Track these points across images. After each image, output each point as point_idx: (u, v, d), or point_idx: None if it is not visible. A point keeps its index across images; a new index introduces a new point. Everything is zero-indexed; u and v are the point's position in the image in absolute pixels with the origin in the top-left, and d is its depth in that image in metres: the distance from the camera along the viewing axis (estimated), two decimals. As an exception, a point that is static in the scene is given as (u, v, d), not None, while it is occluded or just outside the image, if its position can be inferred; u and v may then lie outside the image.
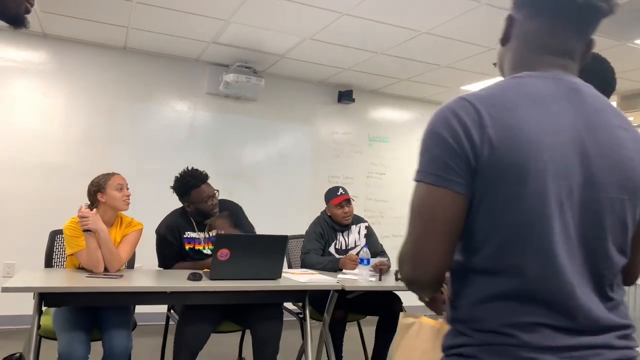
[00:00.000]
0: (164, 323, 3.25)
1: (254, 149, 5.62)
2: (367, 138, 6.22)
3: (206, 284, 2.66)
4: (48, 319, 2.64)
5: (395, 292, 3.51)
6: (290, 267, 3.68)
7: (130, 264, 3.15)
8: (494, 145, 0.92)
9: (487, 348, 0.94)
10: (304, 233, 3.71)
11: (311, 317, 3.06)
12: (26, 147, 4.68)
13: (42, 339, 2.60)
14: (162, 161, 5.03)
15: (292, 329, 3.26)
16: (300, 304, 3.07)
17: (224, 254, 2.71)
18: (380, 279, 3.20)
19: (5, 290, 2.24)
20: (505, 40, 1.10)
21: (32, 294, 2.43)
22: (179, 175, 3.20)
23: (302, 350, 3.23)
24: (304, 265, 3.50)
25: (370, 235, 3.77)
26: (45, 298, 2.44)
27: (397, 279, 3.17)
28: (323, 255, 3.55)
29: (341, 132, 6.08)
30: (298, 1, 3.70)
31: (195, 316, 2.79)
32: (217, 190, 3.21)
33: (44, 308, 2.49)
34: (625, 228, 0.99)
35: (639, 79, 4.89)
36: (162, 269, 3.18)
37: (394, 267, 3.37)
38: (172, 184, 3.20)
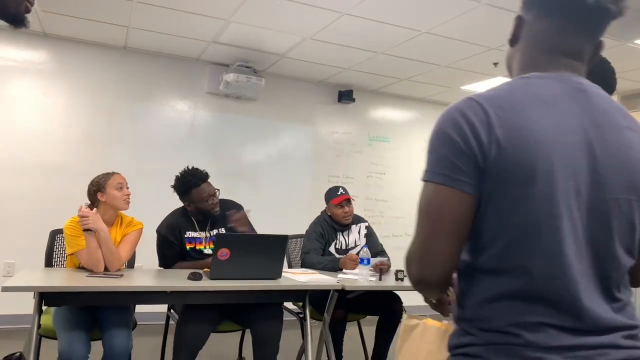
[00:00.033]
0: (164, 322, 3.25)
1: (254, 149, 5.62)
2: (367, 138, 6.22)
3: (206, 284, 2.66)
4: (48, 318, 2.64)
5: (396, 292, 3.52)
6: (290, 266, 3.68)
7: (131, 264, 3.15)
8: (501, 145, 0.92)
9: (492, 347, 0.94)
10: (304, 233, 3.71)
11: (311, 317, 3.06)
12: (26, 147, 4.68)
13: (42, 339, 2.60)
14: (162, 161, 5.04)
15: (292, 328, 3.26)
16: (301, 303, 3.08)
17: (224, 253, 2.71)
18: (380, 279, 3.20)
19: (6, 289, 2.24)
20: (513, 40, 1.10)
21: (32, 293, 2.43)
22: (179, 175, 3.20)
23: (302, 350, 3.23)
24: (304, 265, 3.50)
25: (370, 235, 3.77)
26: (46, 297, 2.44)
27: (397, 279, 3.17)
28: (323, 255, 3.55)
29: (341, 132, 6.09)
30: (298, 1, 3.70)
31: (195, 316, 2.79)
32: (218, 189, 3.21)
33: (44, 307, 2.49)
34: (633, 229, 0.99)
35: (639, 79, 4.90)
36: (162, 268, 3.18)
37: (394, 267, 3.37)
38: (172, 184, 3.20)
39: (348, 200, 3.63)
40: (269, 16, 4.03)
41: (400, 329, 1.43)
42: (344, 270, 3.34)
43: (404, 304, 3.48)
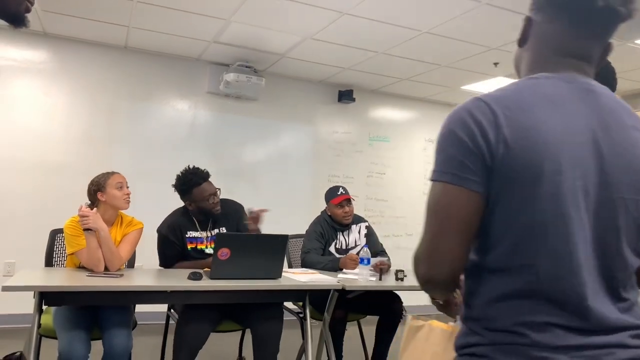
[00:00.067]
0: (164, 322, 3.25)
1: (254, 149, 5.62)
2: (367, 137, 6.22)
3: (206, 283, 2.66)
4: (48, 318, 2.65)
5: (396, 292, 3.52)
6: (290, 266, 3.68)
7: (131, 263, 3.15)
8: (509, 145, 0.92)
9: (499, 347, 0.94)
10: (304, 232, 3.71)
11: (311, 317, 3.06)
12: (27, 146, 4.68)
13: (43, 338, 2.61)
14: (163, 160, 5.04)
15: (292, 328, 3.26)
16: (301, 303, 3.08)
17: (224, 253, 2.71)
18: (380, 279, 3.20)
19: (6, 289, 2.24)
20: (522, 41, 1.10)
21: (33, 293, 2.43)
22: (180, 174, 3.20)
23: (302, 350, 3.23)
24: (304, 264, 3.50)
25: (370, 235, 3.77)
26: (46, 297, 2.44)
27: (397, 279, 3.17)
28: (323, 255, 3.55)
29: (341, 132, 6.09)
30: (299, 0, 3.70)
31: (195, 315, 2.79)
32: (219, 189, 3.21)
33: (44, 307, 2.49)
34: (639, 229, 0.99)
35: (639, 79, 4.89)
36: (162, 268, 3.18)
37: (394, 266, 3.37)
38: (173, 183, 3.20)
39: (348, 200, 3.63)
40: (270, 16, 4.03)
41: (405, 329, 1.42)
42: (344, 270, 3.34)
43: (404, 304, 3.48)
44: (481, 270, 0.99)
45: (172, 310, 3.15)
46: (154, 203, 4.17)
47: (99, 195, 2.84)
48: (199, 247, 3.18)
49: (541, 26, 1.05)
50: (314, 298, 3.06)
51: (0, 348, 3.05)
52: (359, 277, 3.15)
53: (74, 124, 4.87)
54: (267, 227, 3.34)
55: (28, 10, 1.27)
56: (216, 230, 3.21)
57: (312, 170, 5.88)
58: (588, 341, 0.92)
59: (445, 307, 1.18)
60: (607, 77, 1.78)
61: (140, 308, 2.96)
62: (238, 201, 3.43)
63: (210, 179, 3.20)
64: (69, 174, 4.69)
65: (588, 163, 0.94)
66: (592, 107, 0.98)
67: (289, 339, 3.21)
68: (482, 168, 0.93)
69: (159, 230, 3.17)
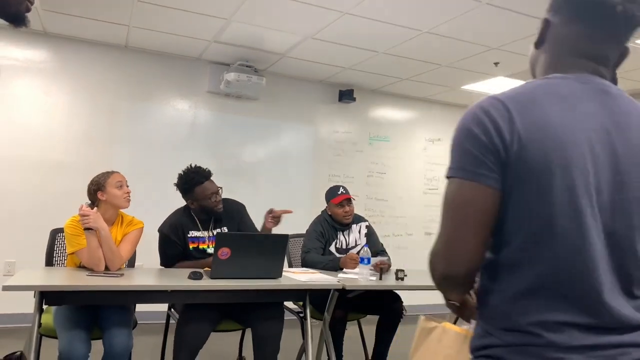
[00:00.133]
0: (164, 322, 3.25)
1: (254, 148, 5.62)
2: (367, 137, 6.22)
3: (207, 283, 2.66)
4: (49, 317, 2.65)
5: (396, 291, 3.52)
6: (290, 266, 3.68)
7: (131, 263, 3.15)
8: (522, 141, 0.93)
9: (514, 349, 0.94)
10: (304, 232, 3.71)
11: (311, 316, 3.06)
12: (27, 146, 4.68)
13: (43, 338, 2.61)
14: (163, 160, 5.04)
15: (293, 328, 3.26)
16: (301, 303, 3.08)
17: (224, 252, 2.71)
18: (380, 278, 3.20)
19: (6, 288, 2.24)
20: (539, 43, 1.11)
21: (33, 292, 2.43)
22: (182, 173, 3.20)
23: (303, 350, 3.23)
24: (305, 264, 3.50)
25: (370, 235, 3.77)
26: (46, 296, 2.44)
27: (397, 279, 3.17)
28: (323, 255, 3.56)
29: (342, 131, 6.09)
30: (299, 0, 3.70)
31: (196, 315, 2.79)
32: (221, 187, 3.21)
33: (44, 306, 2.49)
34: None
35: (639, 79, 4.89)
36: (163, 267, 3.18)
37: (394, 266, 3.38)
38: (174, 182, 3.20)
39: (348, 200, 3.63)
40: (270, 15, 4.03)
41: (417, 330, 1.41)
42: (344, 270, 3.34)
43: (404, 304, 3.48)
44: (495, 268, 0.99)
45: (172, 310, 3.15)
46: (154, 203, 4.18)
47: (99, 194, 2.84)
48: (200, 246, 3.18)
49: (558, 28, 1.06)
50: (314, 298, 3.06)
51: (0, 348, 3.05)
52: (359, 277, 3.15)
53: (75, 123, 4.87)
54: (268, 226, 3.34)
55: (28, 10, 1.27)
56: (218, 230, 3.21)
57: (312, 170, 5.88)
58: (603, 341, 0.92)
59: (461, 310, 1.17)
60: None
61: (140, 307, 2.96)
62: (239, 201, 3.43)
63: (211, 178, 3.21)
64: (70, 173, 4.70)
65: (602, 161, 0.95)
66: (606, 107, 0.99)
67: (289, 339, 3.21)
68: (498, 164, 0.94)
69: (160, 230, 3.17)
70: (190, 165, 3.22)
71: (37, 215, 4.50)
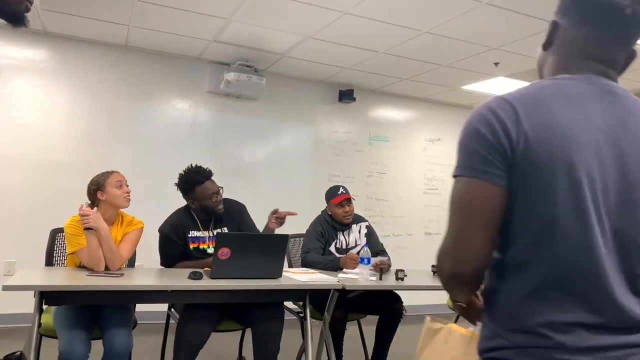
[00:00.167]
0: (164, 322, 3.25)
1: (254, 148, 5.62)
2: (367, 137, 6.22)
3: (207, 283, 2.66)
4: (49, 317, 2.64)
5: (396, 291, 3.52)
6: (290, 266, 3.68)
7: (131, 263, 3.15)
8: (529, 141, 0.94)
9: (522, 351, 0.94)
10: (304, 232, 3.71)
11: (311, 316, 3.06)
12: (27, 145, 4.68)
13: (43, 338, 2.60)
14: (163, 160, 5.04)
15: (293, 328, 3.26)
16: (301, 303, 3.08)
17: (224, 252, 2.71)
18: (380, 279, 3.20)
19: (6, 288, 2.24)
20: (547, 44, 1.11)
21: (33, 292, 2.42)
22: (183, 172, 3.20)
23: (302, 350, 3.23)
24: (305, 264, 3.50)
25: (370, 235, 3.77)
26: (46, 296, 2.44)
27: (397, 279, 3.17)
28: (323, 255, 3.55)
29: (342, 131, 6.08)
30: (299, 0, 3.70)
31: (196, 315, 2.79)
32: (221, 187, 3.21)
33: (44, 306, 2.48)
34: None
35: (639, 79, 4.89)
36: (163, 267, 3.18)
37: (394, 266, 3.38)
38: (174, 182, 3.20)
39: (348, 200, 3.63)
40: (270, 15, 4.03)
41: (423, 330, 1.41)
42: (344, 270, 3.34)
43: (404, 304, 3.48)
44: (502, 268, 1.00)
45: (172, 310, 3.15)
46: (154, 202, 4.18)
47: (98, 194, 2.84)
48: (201, 246, 3.17)
49: (566, 30, 1.07)
50: (314, 298, 3.06)
51: (0, 348, 3.05)
52: (359, 277, 3.15)
53: (75, 122, 4.87)
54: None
55: (28, 10, 1.27)
56: (218, 230, 3.21)
57: (312, 170, 5.88)
58: (612, 341, 0.92)
59: (468, 311, 1.16)
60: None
61: (140, 307, 2.96)
62: (238, 201, 3.43)
63: (212, 178, 3.20)
64: (70, 173, 4.70)
65: (609, 161, 0.95)
66: (613, 108, 0.99)
67: (289, 339, 3.21)
68: (504, 163, 0.95)
69: (160, 230, 3.16)
70: (191, 165, 3.22)
71: (37, 215, 4.50)
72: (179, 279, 2.73)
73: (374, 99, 6.23)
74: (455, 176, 1.01)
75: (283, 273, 2.95)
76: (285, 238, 2.95)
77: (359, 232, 3.74)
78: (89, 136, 4.90)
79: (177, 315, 2.94)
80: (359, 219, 3.79)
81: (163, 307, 3.24)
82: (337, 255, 3.57)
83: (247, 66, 5.15)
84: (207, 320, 2.81)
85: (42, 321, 2.49)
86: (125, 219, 2.97)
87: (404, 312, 3.45)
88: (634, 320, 0.94)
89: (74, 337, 2.45)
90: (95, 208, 2.79)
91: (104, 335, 2.59)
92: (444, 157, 6.59)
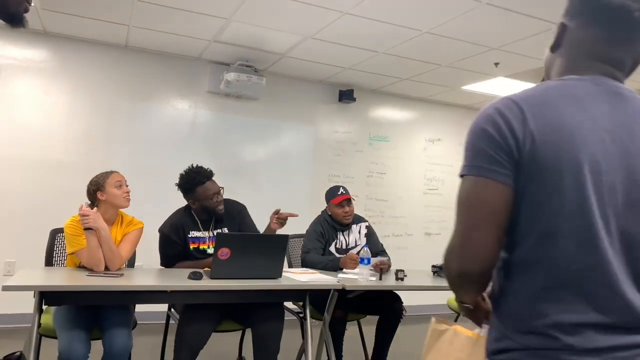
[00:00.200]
0: (164, 322, 3.25)
1: (254, 148, 5.62)
2: (367, 137, 6.22)
3: (206, 283, 2.66)
4: (48, 317, 2.64)
5: (396, 291, 3.51)
6: (290, 266, 3.68)
7: (131, 263, 3.15)
8: (535, 141, 0.94)
9: (531, 352, 0.94)
10: (304, 232, 3.71)
11: (311, 317, 3.06)
12: (27, 145, 4.68)
13: (43, 338, 2.60)
14: (163, 160, 5.04)
15: (292, 328, 3.26)
16: (301, 303, 3.07)
17: (224, 253, 2.71)
18: (380, 279, 3.20)
19: (6, 288, 2.23)
20: (555, 46, 1.11)
21: (33, 292, 2.42)
22: (184, 172, 3.20)
23: (302, 350, 3.23)
24: (305, 264, 3.50)
25: (370, 235, 3.77)
26: (46, 297, 2.44)
27: (397, 279, 3.17)
28: (323, 255, 3.55)
29: (342, 131, 6.08)
30: (299, 0, 3.69)
31: (196, 315, 2.79)
32: (222, 187, 3.21)
33: (44, 307, 2.48)
34: None
35: (639, 79, 4.89)
36: (163, 267, 3.18)
37: (394, 266, 3.37)
38: (174, 182, 3.20)
39: (348, 200, 3.63)
40: (270, 15, 4.03)
41: (428, 331, 1.41)
42: (344, 270, 3.34)
43: (404, 304, 3.48)
44: (510, 268, 1.00)
45: (172, 310, 3.15)
46: (154, 202, 4.18)
47: (98, 194, 2.84)
48: (201, 247, 3.17)
49: (574, 32, 1.07)
50: (314, 298, 3.06)
51: (0, 348, 3.05)
52: (359, 277, 3.15)
53: (74, 122, 4.87)
54: (268, 226, 3.34)
55: (26, 10, 1.27)
56: (218, 230, 3.21)
57: (312, 170, 5.88)
58: (620, 341, 0.92)
59: (474, 313, 1.16)
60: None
61: (140, 308, 2.96)
62: (238, 201, 3.42)
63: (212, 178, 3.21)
64: (70, 173, 4.69)
65: (615, 161, 0.96)
66: (619, 109, 1.00)
67: (289, 339, 3.21)
68: (511, 162, 0.95)
69: (161, 230, 3.16)
70: (192, 165, 3.22)
71: (37, 215, 4.50)
72: (179, 279, 2.73)
73: (374, 99, 6.23)
74: (462, 176, 1.01)
75: (283, 273, 2.95)
76: (285, 238, 2.95)
77: (359, 232, 3.74)
78: (89, 136, 4.90)
79: (177, 316, 2.94)
80: (359, 219, 3.79)
81: (163, 307, 3.24)
82: (337, 255, 3.56)
83: (247, 66, 5.15)
84: (208, 320, 2.81)
85: (41, 321, 2.49)
86: (125, 219, 2.97)
87: (403, 312, 3.45)
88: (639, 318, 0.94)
89: (73, 337, 2.45)
90: (95, 208, 2.79)
91: (103, 336, 2.59)
92: (444, 157, 6.59)
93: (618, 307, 0.93)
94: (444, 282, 3.45)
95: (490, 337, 1.03)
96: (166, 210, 3.28)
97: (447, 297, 3.83)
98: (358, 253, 3.46)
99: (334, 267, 3.38)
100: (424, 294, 3.86)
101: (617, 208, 0.95)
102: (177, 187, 3.20)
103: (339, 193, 3.62)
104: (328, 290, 3.07)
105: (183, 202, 3.25)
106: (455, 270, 1.01)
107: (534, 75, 4.92)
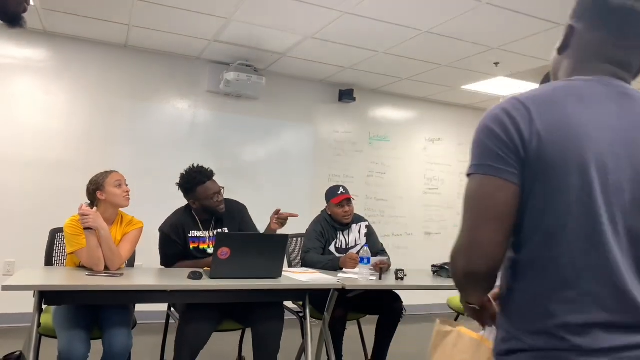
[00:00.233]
0: (164, 321, 3.25)
1: (254, 148, 5.62)
2: (367, 137, 6.22)
3: (206, 283, 2.66)
4: (48, 317, 2.64)
5: (396, 291, 3.51)
6: (290, 266, 3.68)
7: (131, 263, 3.15)
8: (542, 138, 0.95)
9: (539, 354, 0.94)
10: (304, 232, 3.71)
11: (311, 316, 3.06)
12: (27, 145, 4.68)
13: (42, 338, 2.60)
14: (162, 160, 5.04)
15: (292, 327, 3.26)
16: (301, 302, 3.07)
17: (224, 252, 2.71)
18: (380, 278, 3.20)
19: (6, 288, 2.23)
20: (563, 48, 1.12)
21: (32, 292, 2.42)
22: (184, 172, 3.20)
23: (302, 349, 3.23)
24: (304, 264, 3.50)
25: (370, 235, 3.77)
26: (46, 296, 2.44)
27: (397, 278, 3.17)
28: (323, 254, 3.55)
29: (342, 131, 6.08)
30: (299, 0, 3.69)
31: (197, 315, 2.78)
32: (223, 187, 3.21)
33: (44, 306, 2.48)
34: None
35: (639, 79, 4.89)
36: (163, 267, 3.17)
37: (394, 266, 3.37)
38: (174, 182, 3.20)
39: (348, 200, 3.63)
40: (270, 15, 4.03)
41: (433, 333, 1.41)
42: (344, 270, 3.34)
43: (404, 304, 3.48)
44: (516, 267, 1.00)
45: (172, 310, 3.15)
46: (154, 202, 4.18)
47: (98, 194, 2.84)
48: (201, 246, 3.17)
49: (582, 34, 1.08)
50: (314, 297, 3.06)
51: (0, 347, 3.05)
52: (359, 277, 3.15)
53: (74, 122, 4.87)
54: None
55: (25, 11, 1.27)
56: (219, 230, 3.21)
57: (312, 170, 5.88)
58: (628, 341, 0.92)
59: (479, 314, 1.15)
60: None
61: (140, 307, 2.96)
62: (238, 200, 3.42)
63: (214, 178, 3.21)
64: (69, 172, 4.69)
65: (622, 161, 0.96)
66: (626, 109, 1.00)
67: (289, 339, 3.21)
68: (517, 161, 0.96)
69: (161, 229, 3.16)
70: (193, 165, 3.22)
71: (36, 215, 4.50)
72: (179, 279, 2.73)
73: (374, 99, 6.23)
74: (469, 175, 1.02)
75: (283, 273, 2.95)
76: (285, 238, 2.95)
77: (359, 232, 3.74)
78: (88, 136, 4.90)
79: (177, 315, 2.94)
80: (358, 219, 3.79)
81: (163, 307, 3.24)
82: (337, 255, 3.56)
83: (247, 66, 5.14)
84: (208, 320, 2.81)
85: (41, 321, 2.49)
86: (125, 218, 2.97)
87: (403, 311, 3.45)
88: None
89: (73, 337, 2.45)
90: (95, 208, 2.79)
91: (103, 335, 2.59)
92: (444, 157, 6.59)
93: (625, 307, 0.93)
94: (443, 282, 3.45)
95: (497, 338, 1.03)
96: (166, 210, 3.28)
97: (447, 296, 3.84)
98: (358, 253, 3.46)
99: (334, 266, 3.38)
100: (424, 294, 3.86)
101: (624, 207, 0.95)
102: (177, 186, 3.20)
103: (339, 193, 3.62)
104: (328, 290, 3.07)
105: (183, 202, 3.25)
106: (462, 270, 1.00)
107: (534, 74, 4.92)
